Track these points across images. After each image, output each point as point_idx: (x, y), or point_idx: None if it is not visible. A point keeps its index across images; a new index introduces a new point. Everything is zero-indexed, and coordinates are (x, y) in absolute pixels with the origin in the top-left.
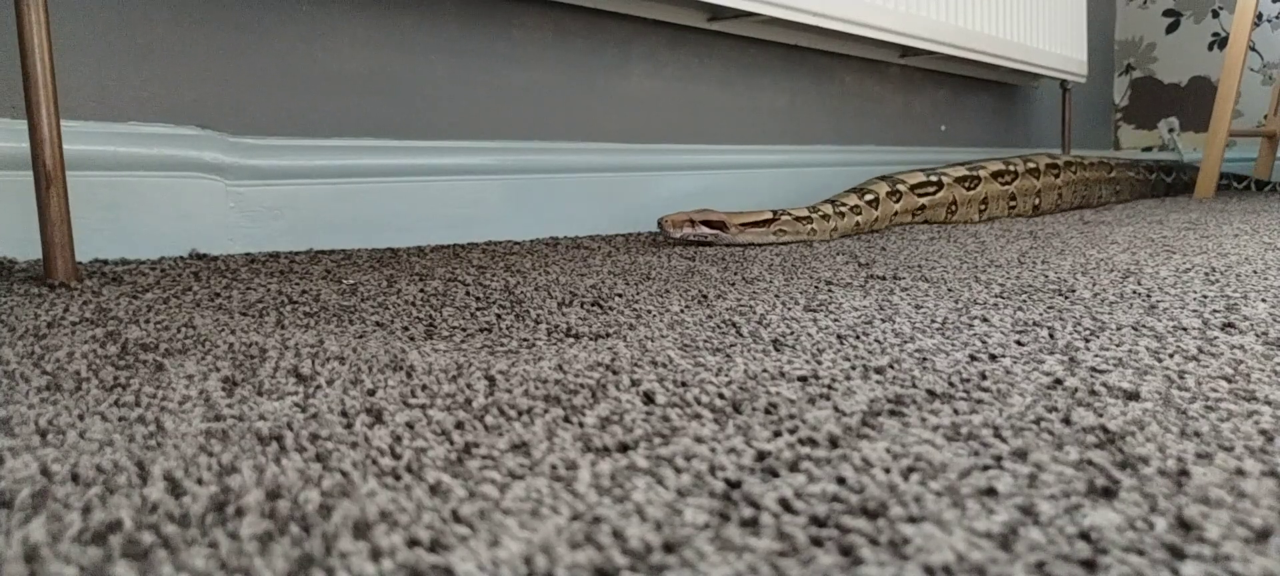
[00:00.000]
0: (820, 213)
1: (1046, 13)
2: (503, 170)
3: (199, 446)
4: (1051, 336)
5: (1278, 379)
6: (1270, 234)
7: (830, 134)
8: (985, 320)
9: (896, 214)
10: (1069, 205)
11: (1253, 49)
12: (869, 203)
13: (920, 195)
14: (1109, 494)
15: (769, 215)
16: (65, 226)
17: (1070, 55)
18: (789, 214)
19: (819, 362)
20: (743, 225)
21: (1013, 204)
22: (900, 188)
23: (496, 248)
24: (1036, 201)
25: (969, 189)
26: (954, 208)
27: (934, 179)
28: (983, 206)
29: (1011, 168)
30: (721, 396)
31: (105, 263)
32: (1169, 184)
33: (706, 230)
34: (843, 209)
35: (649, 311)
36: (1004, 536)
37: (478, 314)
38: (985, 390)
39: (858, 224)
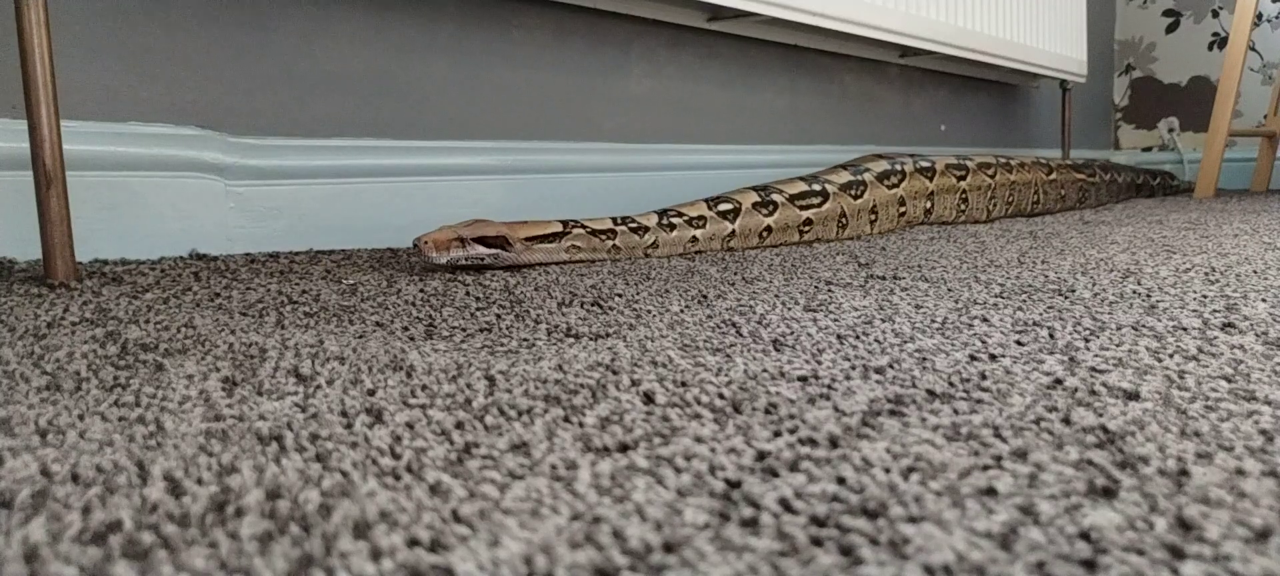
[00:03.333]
0: (633, 225)
1: (1046, 13)
2: (502, 170)
3: (199, 446)
4: (1051, 336)
5: (1278, 379)
6: (1270, 234)
7: (830, 134)
8: (985, 320)
9: (769, 230)
10: (983, 214)
11: (1253, 49)
12: (723, 214)
13: (803, 207)
14: (1109, 494)
15: (558, 226)
16: (65, 226)
17: (1070, 55)
18: (584, 226)
19: (819, 362)
20: (529, 240)
21: (903, 210)
22: (775, 198)
23: None
24: (928, 205)
25: (856, 197)
26: (844, 220)
27: (818, 188)
28: (873, 216)
29: (898, 168)
30: (721, 396)
31: (105, 263)
32: (1122, 186)
33: (482, 250)
34: (674, 221)
35: (649, 311)
36: (1004, 536)
37: (478, 314)
38: (985, 390)
39: (695, 239)
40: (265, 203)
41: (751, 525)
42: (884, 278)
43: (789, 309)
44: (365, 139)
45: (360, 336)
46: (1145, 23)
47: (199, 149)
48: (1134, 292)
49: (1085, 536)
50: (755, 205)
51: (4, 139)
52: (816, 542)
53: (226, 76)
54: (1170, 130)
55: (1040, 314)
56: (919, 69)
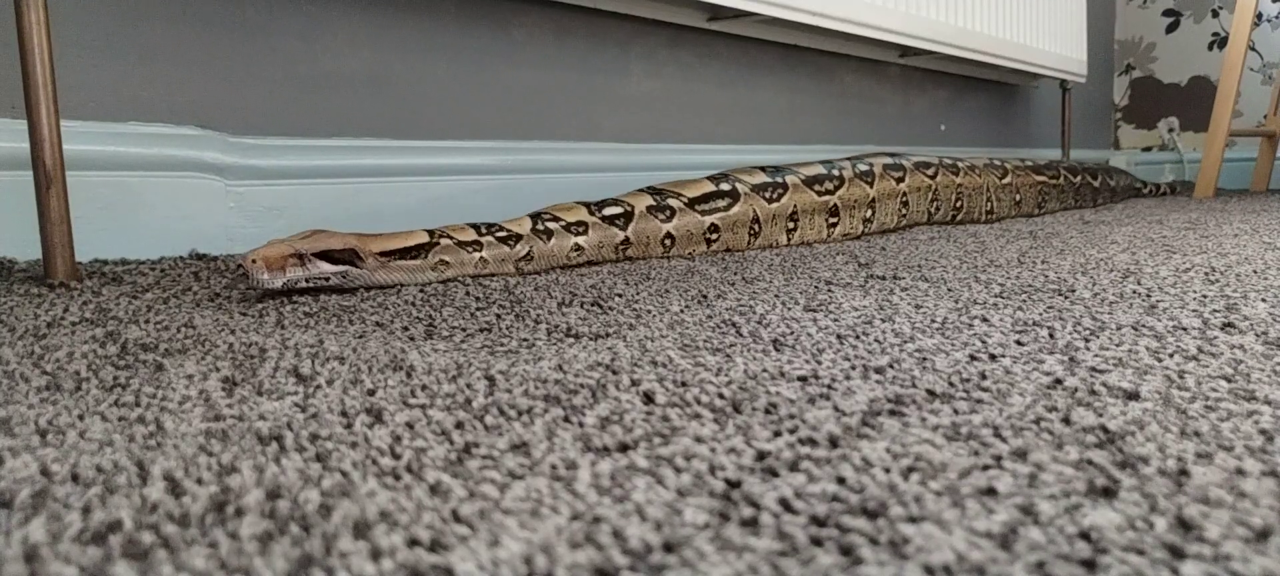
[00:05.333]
0: (502, 233)
1: (1046, 12)
2: (502, 170)
3: (199, 446)
4: (1051, 336)
5: (1278, 379)
6: (1270, 234)
7: (830, 134)
8: (985, 320)
9: (671, 237)
10: (923, 217)
11: (1253, 49)
12: (609, 220)
13: (705, 211)
14: (1109, 494)
15: (424, 237)
16: (65, 226)
17: (1070, 55)
18: (452, 235)
19: (819, 362)
20: (385, 254)
21: (834, 221)
22: (672, 203)
23: None
24: (868, 215)
25: (772, 201)
26: (757, 226)
27: (727, 188)
28: (791, 224)
29: (837, 173)
30: (721, 396)
31: (105, 263)
32: (1096, 188)
33: (327, 268)
34: (550, 227)
35: (649, 311)
36: (1004, 536)
37: (478, 314)
38: (985, 390)
39: (579, 248)
40: (265, 202)
41: (751, 525)
42: (884, 277)
43: (789, 309)
44: (365, 139)
45: (360, 336)
46: (1145, 23)
47: (199, 149)
48: (1134, 292)
49: (1085, 536)
50: (650, 209)
51: (4, 139)
52: (816, 542)
53: (227, 76)
54: (1170, 130)
55: (1040, 314)
56: (919, 69)
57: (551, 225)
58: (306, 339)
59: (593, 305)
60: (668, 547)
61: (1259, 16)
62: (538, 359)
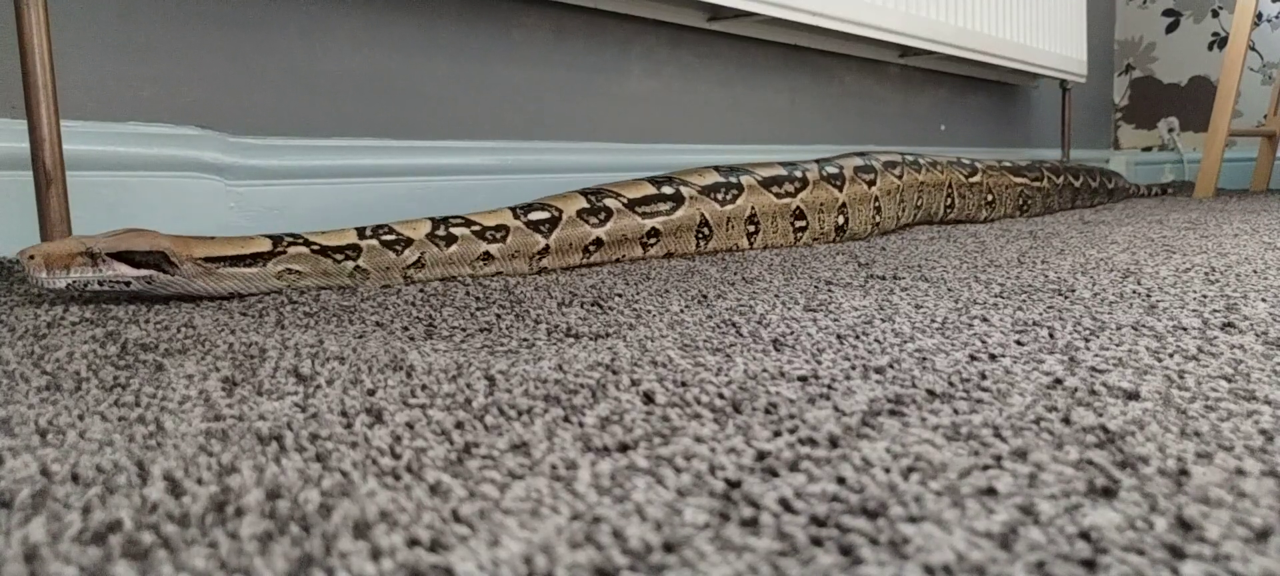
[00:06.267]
0: (391, 237)
1: (1046, 12)
2: (502, 170)
3: (199, 446)
4: (1051, 336)
5: (1278, 379)
6: (1270, 234)
7: (830, 134)
8: (985, 320)
9: (599, 243)
10: (889, 223)
11: (1253, 49)
12: (533, 225)
13: (646, 215)
14: (1109, 493)
15: (266, 244)
16: (65, 226)
17: (1070, 55)
18: (311, 242)
19: (819, 362)
20: (210, 260)
21: (801, 223)
22: (609, 204)
23: None
24: (840, 220)
25: (724, 203)
26: (706, 230)
27: (671, 192)
28: (752, 227)
29: (800, 175)
30: (721, 396)
31: None
32: (1076, 189)
33: (128, 271)
34: (455, 232)
35: (649, 311)
36: (1004, 536)
37: (477, 314)
38: (985, 390)
39: (488, 256)
40: (265, 202)
41: (751, 525)
42: (884, 277)
43: (789, 309)
44: (365, 139)
45: (360, 336)
46: (1145, 23)
47: (199, 149)
48: (1134, 292)
49: (1085, 536)
50: (582, 213)
51: (4, 139)
52: (816, 542)
53: (226, 76)
54: (1170, 130)
55: (1040, 313)
56: (919, 69)
57: (458, 230)
58: (306, 339)
59: (593, 305)
60: (668, 547)
61: (1259, 16)
62: (538, 359)
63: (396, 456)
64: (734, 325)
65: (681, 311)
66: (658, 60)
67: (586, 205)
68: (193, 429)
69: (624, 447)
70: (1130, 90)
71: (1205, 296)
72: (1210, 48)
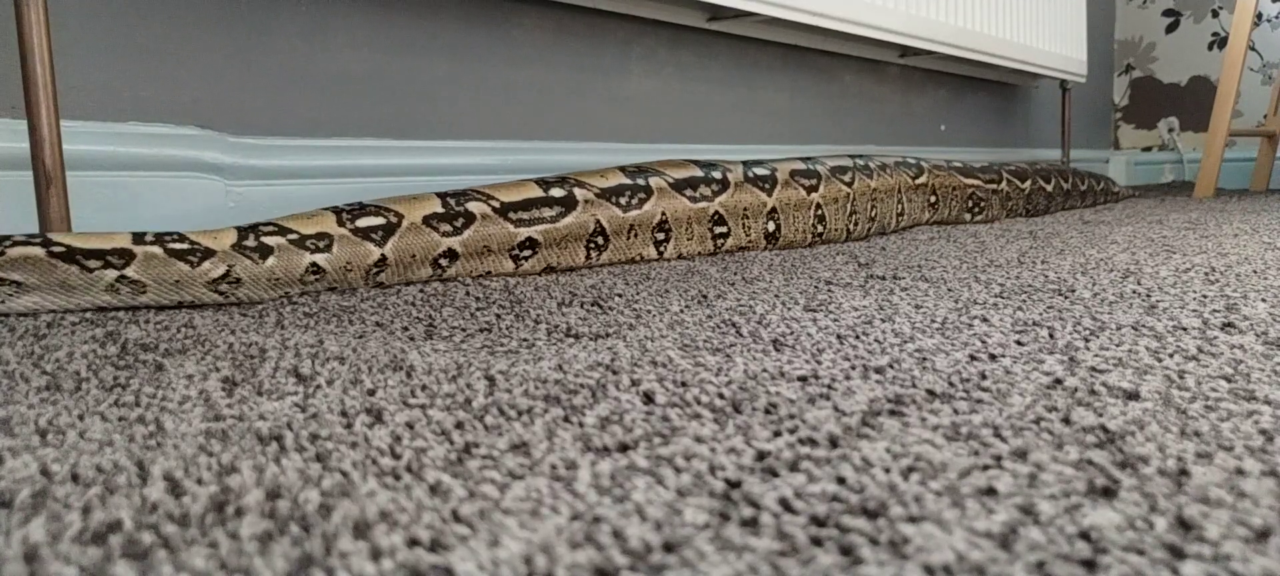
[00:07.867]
0: (184, 245)
1: (1046, 13)
2: (502, 170)
3: (199, 446)
4: (1051, 336)
5: (1278, 379)
6: (1270, 234)
7: (830, 134)
8: (985, 320)
9: (452, 254)
10: (838, 233)
11: (1253, 49)
12: (365, 231)
13: (522, 222)
14: (1109, 493)
15: (128, 240)
16: (65, 226)
17: (1070, 55)
18: (63, 243)
19: (819, 362)
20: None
21: (722, 232)
22: (473, 208)
23: None
24: (770, 227)
25: (627, 209)
26: (600, 239)
27: (561, 194)
28: (662, 234)
29: (719, 177)
30: (721, 396)
31: None
32: (1051, 195)
33: None
34: (268, 242)
35: (649, 311)
36: (1004, 536)
37: (478, 314)
38: (985, 390)
39: (316, 268)
40: (265, 203)
41: (751, 525)
42: (884, 277)
43: (789, 309)
44: (365, 139)
45: (360, 336)
46: (1145, 23)
47: (199, 149)
48: (1134, 292)
49: (1085, 536)
50: (431, 219)
51: (4, 139)
52: (816, 542)
53: (226, 76)
54: (1170, 130)
55: (1040, 314)
56: (919, 69)
57: (270, 238)
58: (306, 339)
59: (593, 305)
60: (668, 547)
61: (1259, 16)
62: (538, 359)
63: (396, 456)
64: (734, 325)
65: (681, 311)
66: (658, 60)
67: (442, 209)
68: (193, 429)
69: (624, 448)
70: (1130, 90)
71: (1205, 296)
72: (1210, 48)
